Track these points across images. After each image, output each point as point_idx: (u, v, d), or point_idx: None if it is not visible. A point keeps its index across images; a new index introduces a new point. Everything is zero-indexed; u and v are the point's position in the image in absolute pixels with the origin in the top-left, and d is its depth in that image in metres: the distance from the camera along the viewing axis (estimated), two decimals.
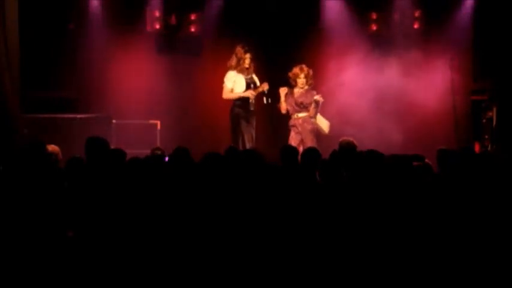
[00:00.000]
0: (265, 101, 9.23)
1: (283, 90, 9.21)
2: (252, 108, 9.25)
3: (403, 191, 5.11)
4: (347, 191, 5.09)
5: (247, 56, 9.29)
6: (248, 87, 9.23)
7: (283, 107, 9.21)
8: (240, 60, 9.28)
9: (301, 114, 9.15)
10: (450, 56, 10.85)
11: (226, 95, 9.34)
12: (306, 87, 9.18)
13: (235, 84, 9.27)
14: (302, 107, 9.13)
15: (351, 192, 5.06)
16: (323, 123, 9.21)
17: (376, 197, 4.99)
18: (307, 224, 4.81)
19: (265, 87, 9.20)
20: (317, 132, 9.16)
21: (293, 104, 9.17)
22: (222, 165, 5.41)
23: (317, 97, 9.07)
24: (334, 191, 5.07)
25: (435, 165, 6.51)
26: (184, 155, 5.92)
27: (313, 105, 9.08)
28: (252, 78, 9.35)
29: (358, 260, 4.65)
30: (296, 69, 9.21)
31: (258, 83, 9.33)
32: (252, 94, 9.20)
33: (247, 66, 9.30)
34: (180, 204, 4.88)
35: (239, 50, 9.33)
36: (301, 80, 9.16)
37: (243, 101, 9.22)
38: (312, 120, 9.13)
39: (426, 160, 6.34)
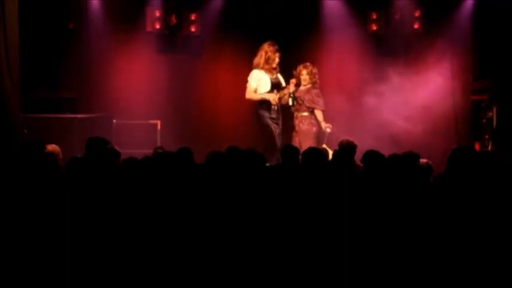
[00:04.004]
0: (290, 103, 8.94)
1: (293, 82, 9.08)
2: (274, 116, 8.88)
3: (406, 191, 5.10)
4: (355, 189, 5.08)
5: (277, 55, 8.98)
6: (273, 88, 8.91)
7: (285, 96, 9.11)
8: (269, 60, 8.94)
9: (299, 114, 9.12)
10: (450, 56, 10.86)
11: (250, 95, 8.94)
12: (309, 85, 9.16)
13: (259, 84, 8.93)
14: (301, 103, 9.08)
15: (355, 191, 5.05)
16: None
17: (380, 196, 4.99)
18: (308, 224, 4.81)
19: (291, 88, 8.92)
20: (316, 133, 9.07)
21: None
22: (225, 165, 5.40)
23: (324, 126, 8.95)
24: (338, 190, 5.06)
25: (435, 164, 6.52)
26: (188, 155, 5.93)
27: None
28: (277, 78, 9.05)
29: (361, 260, 4.65)
30: (300, 67, 9.19)
31: (283, 84, 9.06)
32: (274, 100, 8.84)
33: (275, 66, 9.00)
34: (183, 204, 4.88)
35: (269, 48, 8.98)
36: (303, 77, 9.14)
37: (267, 103, 8.90)
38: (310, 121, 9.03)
39: (425, 160, 6.33)
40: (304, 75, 9.14)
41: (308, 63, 9.25)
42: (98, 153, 6.01)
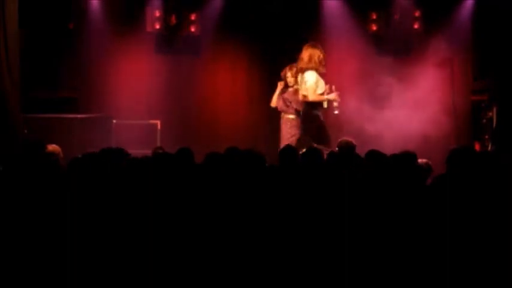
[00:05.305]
0: (325, 105, 8.85)
1: (280, 84, 9.06)
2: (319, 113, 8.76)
3: (404, 190, 5.10)
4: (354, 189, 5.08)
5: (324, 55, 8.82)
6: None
7: (273, 100, 9.11)
8: (322, 61, 8.70)
9: (286, 116, 9.03)
10: (450, 56, 10.87)
11: (316, 96, 8.65)
12: (296, 86, 9.03)
13: (317, 85, 8.70)
14: (289, 105, 9.01)
15: (355, 192, 5.05)
16: None
17: (379, 196, 4.99)
18: (308, 225, 4.81)
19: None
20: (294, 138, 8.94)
21: (281, 102, 9.09)
22: (224, 165, 5.40)
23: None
24: (338, 190, 5.06)
25: (435, 165, 6.53)
26: (189, 155, 5.93)
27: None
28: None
29: (361, 261, 4.66)
30: (286, 68, 9.06)
31: None
32: (335, 100, 8.70)
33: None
34: (182, 205, 4.88)
35: (318, 49, 8.75)
36: (288, 79, 9.01)
37: (320, 103, 8.75)
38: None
39: (424, 160, 6.33)
40: (289, 77, 8.96)
41: (294, 64, 8.97)
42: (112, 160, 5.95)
